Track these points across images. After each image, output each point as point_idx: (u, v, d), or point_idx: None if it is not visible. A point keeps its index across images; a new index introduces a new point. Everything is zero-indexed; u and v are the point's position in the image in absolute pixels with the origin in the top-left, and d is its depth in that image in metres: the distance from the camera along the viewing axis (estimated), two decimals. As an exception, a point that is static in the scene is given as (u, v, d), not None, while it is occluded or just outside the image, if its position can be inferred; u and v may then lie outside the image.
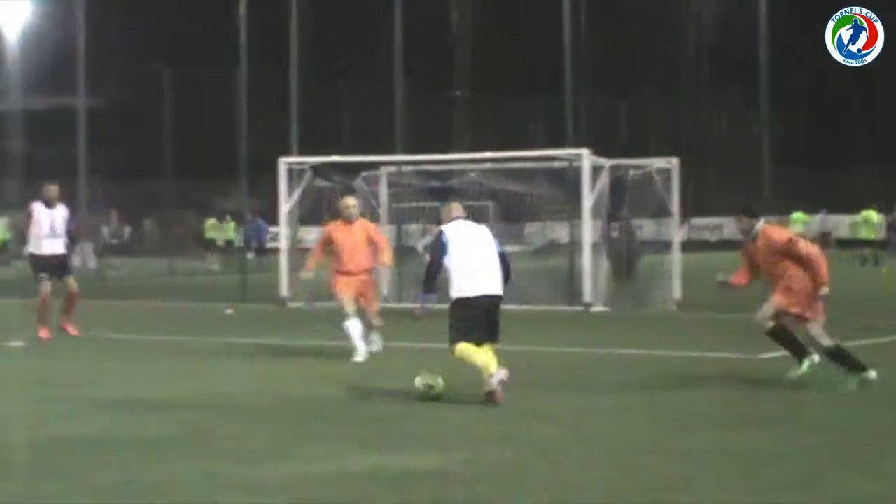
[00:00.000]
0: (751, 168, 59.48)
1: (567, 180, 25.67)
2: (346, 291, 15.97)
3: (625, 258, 26.45)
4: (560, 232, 28.48)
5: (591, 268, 24.45)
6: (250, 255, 40.62)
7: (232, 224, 47.48)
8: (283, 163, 27.55)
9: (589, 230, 24.66)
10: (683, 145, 33.68)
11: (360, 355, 15.71)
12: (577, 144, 26.19)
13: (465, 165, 27.53)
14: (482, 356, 12.29)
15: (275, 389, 13.49)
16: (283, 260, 27.22)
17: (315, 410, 12.08)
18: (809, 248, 13.51)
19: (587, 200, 24.53)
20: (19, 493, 8.60)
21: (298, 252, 28.74)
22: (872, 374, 13.07)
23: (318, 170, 27.64)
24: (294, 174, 27.39)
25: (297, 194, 27.21)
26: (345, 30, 63.49)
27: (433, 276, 12.66)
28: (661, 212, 25.72)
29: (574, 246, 25.64)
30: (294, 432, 10.85)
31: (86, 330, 19.57)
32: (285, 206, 27.29)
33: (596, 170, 24.92)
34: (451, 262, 12.45)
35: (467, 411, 11.96)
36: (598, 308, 24.23)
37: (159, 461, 9.56)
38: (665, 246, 25.70)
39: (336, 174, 28.32)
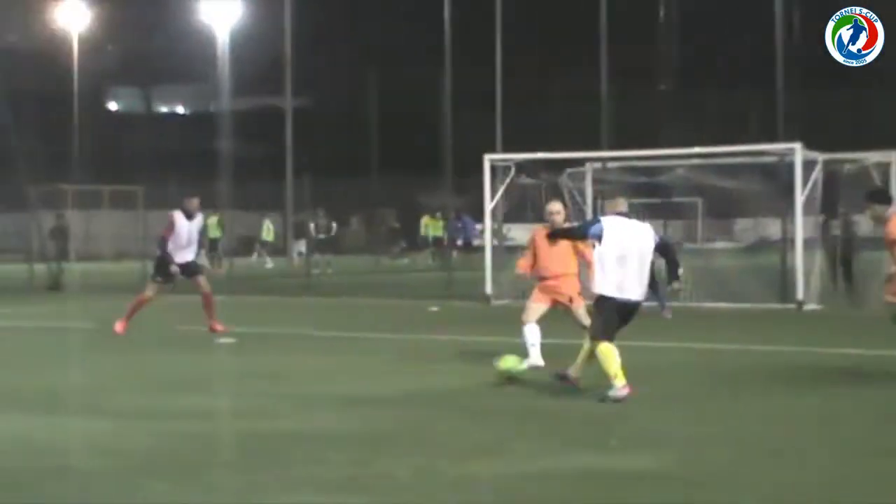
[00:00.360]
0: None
1: (779, 175, 25.20)
2: (536, 299, 15.37)
3: (842, 256, 25.91)
4: (772, 228, 28.02)
5: (803, 265, 23.98)
6: (455, 253, 40.96)
7: (442, 221, 47.99)
8: (488, 160, 27.65)
9: (801, 226, 24.17)
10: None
11: (532, 361, 15.04)
12: (790, 138, 25.60)
13: (673, 161, 27.23)
14: (617, 362, 12.27)
15: (481, 387, 13.58)
16: (488, 257, 27.32)
17: (523, 408, 12.13)
18: None
19: (799, 196, 24.04)
20: (245, 484, 8.86)
21: (503, 249, 28.90)
22: None
23: (522, 166, 27.69)
24: (499, 171, 27.49)
25: (501, 191, 27.31)
26: (548, 25, 63.53)
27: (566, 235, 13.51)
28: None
29: (786, 243, 25.19)
30: (505, 430, 10.93)
31: (277, 326, 19.93)
32: (489, 203, 27.39)
33: (809, 164, 24.40)
34: (602, 255, 12.44)
35: (679, 411, 11.86)
36: (811, 306, 23.75)
37: (378, 456, 9.74)
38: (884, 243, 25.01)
39: (541, 171, 28.32)
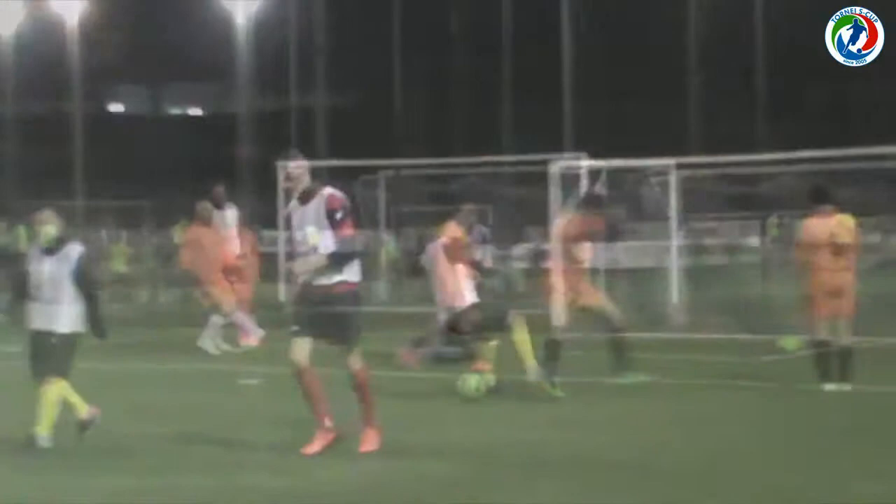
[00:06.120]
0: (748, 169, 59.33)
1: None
2: None
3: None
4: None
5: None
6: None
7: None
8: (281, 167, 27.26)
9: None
10: (683, 147, 34.08)
11: None
12: (576, 148, 26.45)
13: (466, 170, 27.84)
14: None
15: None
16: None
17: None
18: None
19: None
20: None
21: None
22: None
23: (314, 174, 27.50)
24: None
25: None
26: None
27: None
28: (658, 216, 25.83)
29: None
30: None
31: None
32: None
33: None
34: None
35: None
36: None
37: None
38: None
39: (332, 179, 28.29)
